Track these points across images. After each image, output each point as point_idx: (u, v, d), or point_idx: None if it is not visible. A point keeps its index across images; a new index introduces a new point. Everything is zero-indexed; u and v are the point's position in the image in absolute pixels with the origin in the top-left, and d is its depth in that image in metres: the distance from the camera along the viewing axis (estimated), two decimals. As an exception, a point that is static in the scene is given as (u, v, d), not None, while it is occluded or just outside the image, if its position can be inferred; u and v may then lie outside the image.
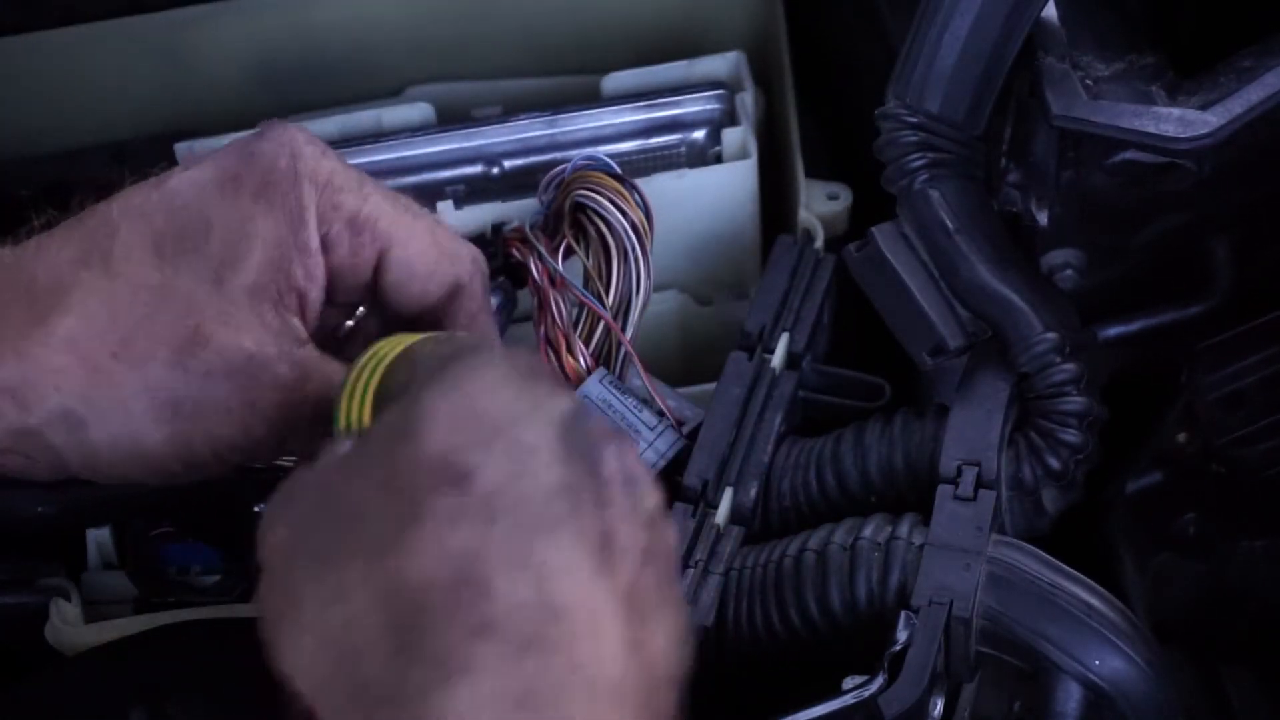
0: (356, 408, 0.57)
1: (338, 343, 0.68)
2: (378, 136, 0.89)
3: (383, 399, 0.56)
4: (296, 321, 0.61)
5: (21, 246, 0.60)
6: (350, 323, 0.68)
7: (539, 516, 0.48)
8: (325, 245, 0.62)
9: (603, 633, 0.48)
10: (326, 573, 0.49)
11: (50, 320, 0.58)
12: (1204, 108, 0.69)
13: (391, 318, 0.66)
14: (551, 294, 0.76)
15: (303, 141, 0.62)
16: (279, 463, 0.79)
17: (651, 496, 0.52)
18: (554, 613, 0.47)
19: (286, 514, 0.51)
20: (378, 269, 0.64)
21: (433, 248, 0.65)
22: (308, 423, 0.60)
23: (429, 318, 0.66)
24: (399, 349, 0.58)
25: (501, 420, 0.50)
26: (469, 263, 0.66)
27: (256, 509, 0.78)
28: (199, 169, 0.61)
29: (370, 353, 0.59)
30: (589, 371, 0.75)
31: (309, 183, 0.62)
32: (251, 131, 0.63)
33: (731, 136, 0.87)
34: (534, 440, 0.49)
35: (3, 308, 0.58)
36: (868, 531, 0.67)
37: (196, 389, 0.59)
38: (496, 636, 0.46)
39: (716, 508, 0.71)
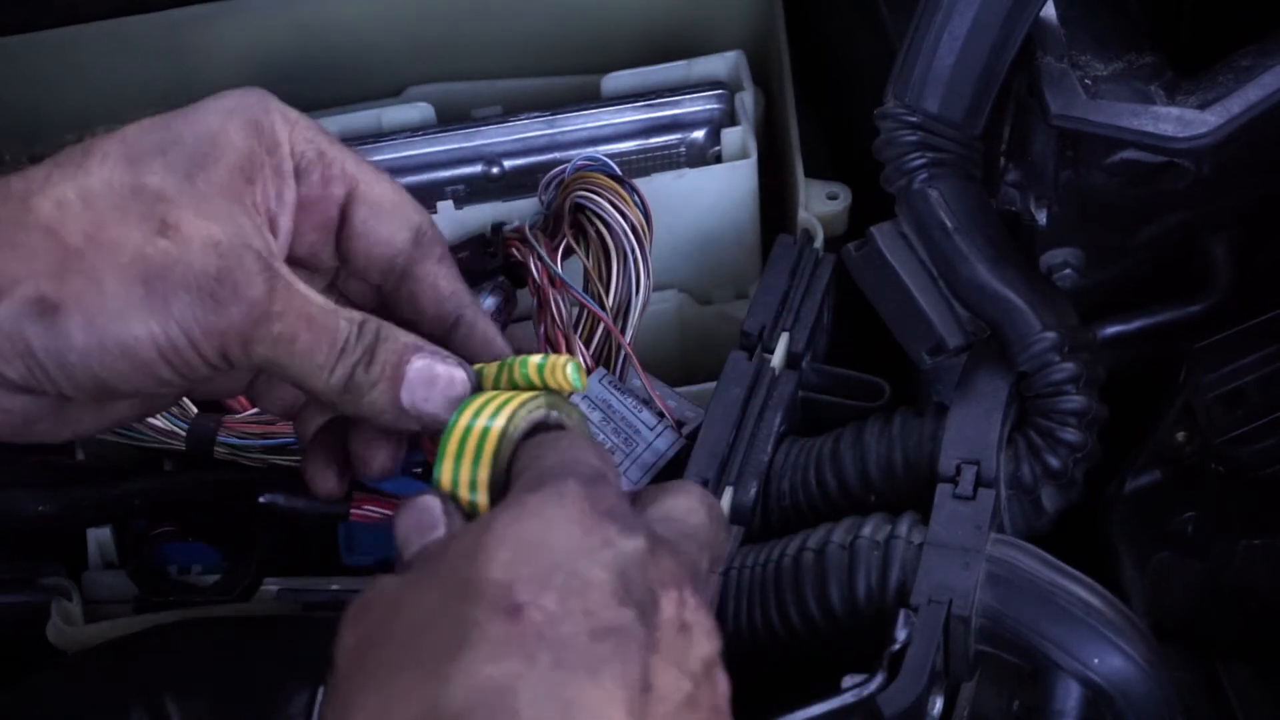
0: (466, 474, 0.58)
1: None
2: (378, 136, 0.89)
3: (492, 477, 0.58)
4: (269, 235, 0.61)
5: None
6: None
7: (581, 654, 0.49)
8: (296, 174, 0.63)
9: None
10: (378, 685, 0.49)
11: (23, 213, 0.57)
12: (1203, 107, 0.69)
13: (359, 272, 0.66)
14: (551, 294, 0.76)
15: (269, 94, 0.64)
16: (280, 462, 0.79)
17: (706, 645, 0.53)
18: None
19: (359, 620, 0.52)
20: (345, 212, 0.64)
21: (395, 191, 0.65)
22: (272, 346, 0.59)
23: (398, 268, 0.65)
24: (509, 410, 0.59)
25: (565, 556, 0.50)
26: (423, 211, 0.67)
27: (261, 499, 0.78)
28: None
29: (475, 406, 0.59)
30: (589, 372, 0.75)
31: (280, 117, 0.63)
32: None
33: (731, 136, 0.88)
34: (592, 578, 0.50)
35: None
36: (867, 530, 0.68)
37: (168, 271, 0.57)
38: None
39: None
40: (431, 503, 0.56)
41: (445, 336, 0.65)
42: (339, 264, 0.66)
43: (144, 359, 0.58)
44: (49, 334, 0.57)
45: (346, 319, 0.60)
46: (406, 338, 0.62)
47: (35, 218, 0.57)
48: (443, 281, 0.66)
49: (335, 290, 0.67)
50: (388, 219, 0.65)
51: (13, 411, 0.60)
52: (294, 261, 0.64)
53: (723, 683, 0.54)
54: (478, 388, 0.61)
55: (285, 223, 0.63)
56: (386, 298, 0.66)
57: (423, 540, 0.56)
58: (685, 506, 0.58)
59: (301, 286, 0.60)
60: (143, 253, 0.57)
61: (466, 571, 0.50)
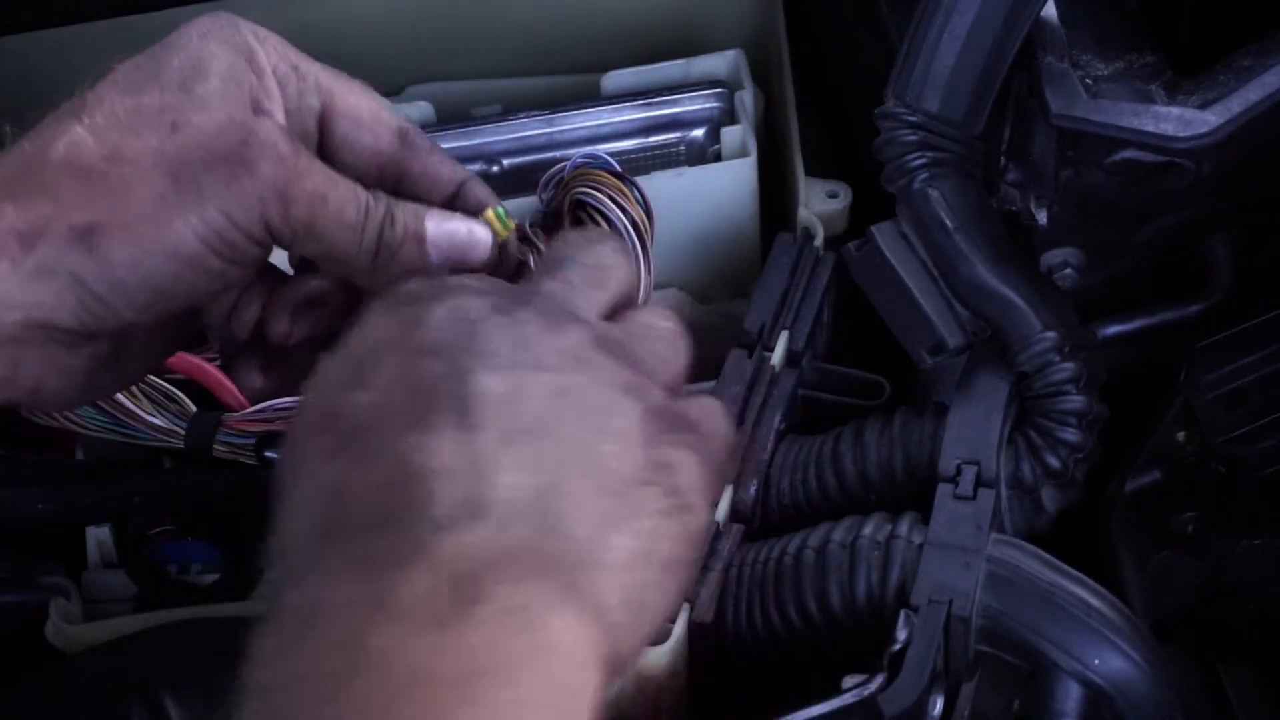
0: None
1: None
2: (377, 135, 0.89)
3: None
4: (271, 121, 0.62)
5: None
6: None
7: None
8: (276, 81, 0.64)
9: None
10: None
11: (39, 161, 0.59)
12: (1203, 107, 0.69)
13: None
14: (551, 293, 0.76)
15: (236, 16, 0.65)
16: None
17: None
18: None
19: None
20: (325, 126, 0.65)
21: (372, 99, 0.66)
22: (308, 205, 0.60)
23: (389, 174, 0.66)
24: None
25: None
26: (401, 117, 0.67)
27: (267, 454, 0.80)
28: None
29: None
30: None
31: (251, 34, 0.64)
32: None
33: (731, 135, 0.87)
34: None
35: None
36: (867, 530, 0.68)
37: (190, 159, 0.59)
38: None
39: (716, 505, 0.72)
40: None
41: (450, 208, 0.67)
42: None
43: (190, 252, 0.59)
44: (93, 259, 0.58)
45: (360, 187, 0.62)
46: (411, 205, 0.64)
47: (51, 158, 0.58)
48: (441, 168, 0.67)
49: None
50: (368, 128, 0.65)
51: (75, 370, 0.61)
52: None
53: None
54: None
55: (280, 120, 0.63)
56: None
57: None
58: (648, 316, 0.59)
59: (312, 155, 0.61)
60: (162, 152, 0.59)
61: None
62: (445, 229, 0.64)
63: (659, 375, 0.55)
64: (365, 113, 0.65)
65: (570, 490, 0.49)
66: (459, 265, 0.64)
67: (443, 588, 0.45)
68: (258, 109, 0.62)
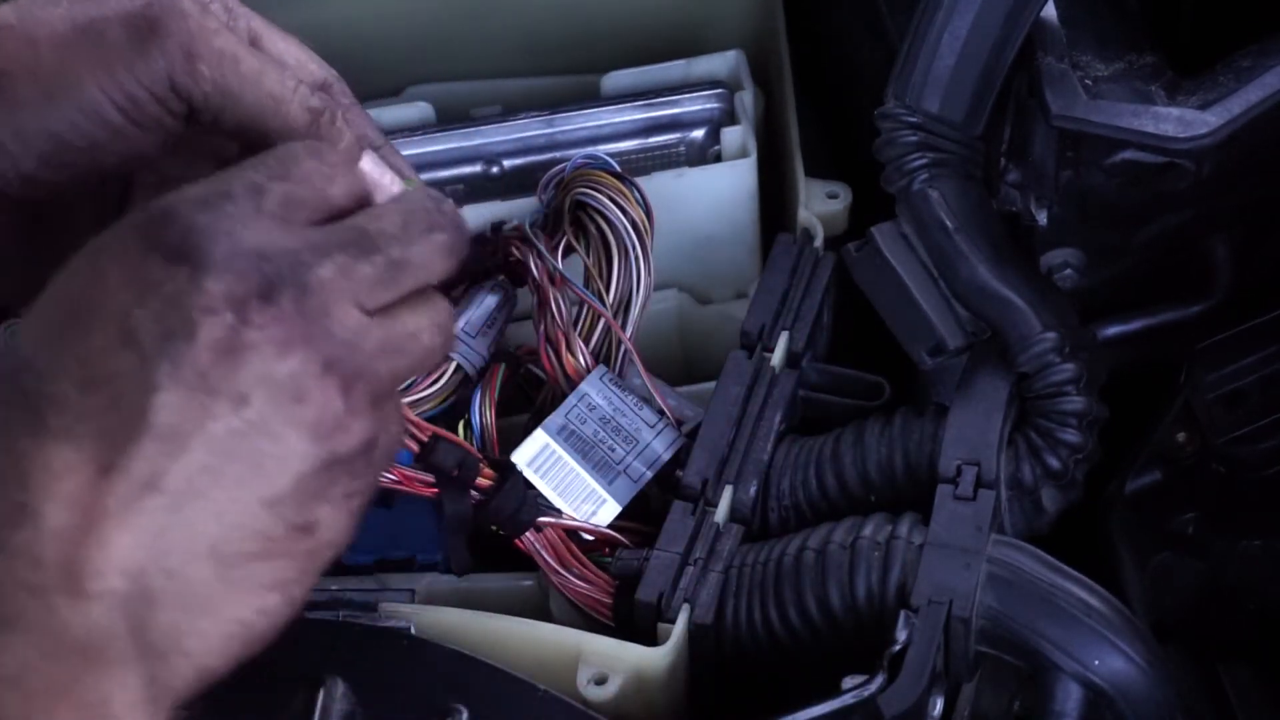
0: None
1: None
2: (377, 136, 0.89)
3: None
4: None
5: None
6: None
7: (46, 411, 0.49)
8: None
9: None
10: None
11: None
12: (1203, 107, 0.69)
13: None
14: (551, 292, 0.76)
15: None
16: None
17: (278, 361, 0.50)
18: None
19: None
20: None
21: (298, 49, 0.65)
22: (218, 63, 0.59)
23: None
24: None
25: (81, 304, 0.50)
26: (328, 67, 0.67)
27: None
28: None
29: None
30: (589, 370, 0.75)
31: None
32: None
33: (731, 135, 0.87)
34: (92, 324, 0.50)
35: None
36: (867, 530, 0.68)
37: (99, 14, 0.59)
38: None
39: (716, 506, 0.72)
40: None
41: None
42: None
43: (94, 105, 0.58)
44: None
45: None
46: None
47: None
48: (362, 126, 0.66)
49: None
50: (291, 74, 0.64)
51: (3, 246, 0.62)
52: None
53: (317, 395, 0.51)
54: None
55: None
56: None
57: None
58: (375, 214, 0.56)
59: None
60: (69, 13, 0.59)
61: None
62: (374, 173, 0.62)
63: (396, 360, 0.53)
64: (291, 61, 0.65)
65: (184, 575, 0.48)
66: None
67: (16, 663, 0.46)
68: None
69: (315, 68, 0.66)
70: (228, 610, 0.50)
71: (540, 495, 0.72)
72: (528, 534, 0.71)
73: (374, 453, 0.53)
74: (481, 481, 0.71)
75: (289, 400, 0.50)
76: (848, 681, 0.62)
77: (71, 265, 0.51)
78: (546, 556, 0.71)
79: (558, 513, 0.72)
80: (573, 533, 0.72)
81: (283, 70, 0.61)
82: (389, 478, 0.70)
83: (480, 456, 0.72)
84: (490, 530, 0.72)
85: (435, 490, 0.71)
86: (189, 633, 0.49)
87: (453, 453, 0.70)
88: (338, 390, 0.51)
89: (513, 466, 0.72)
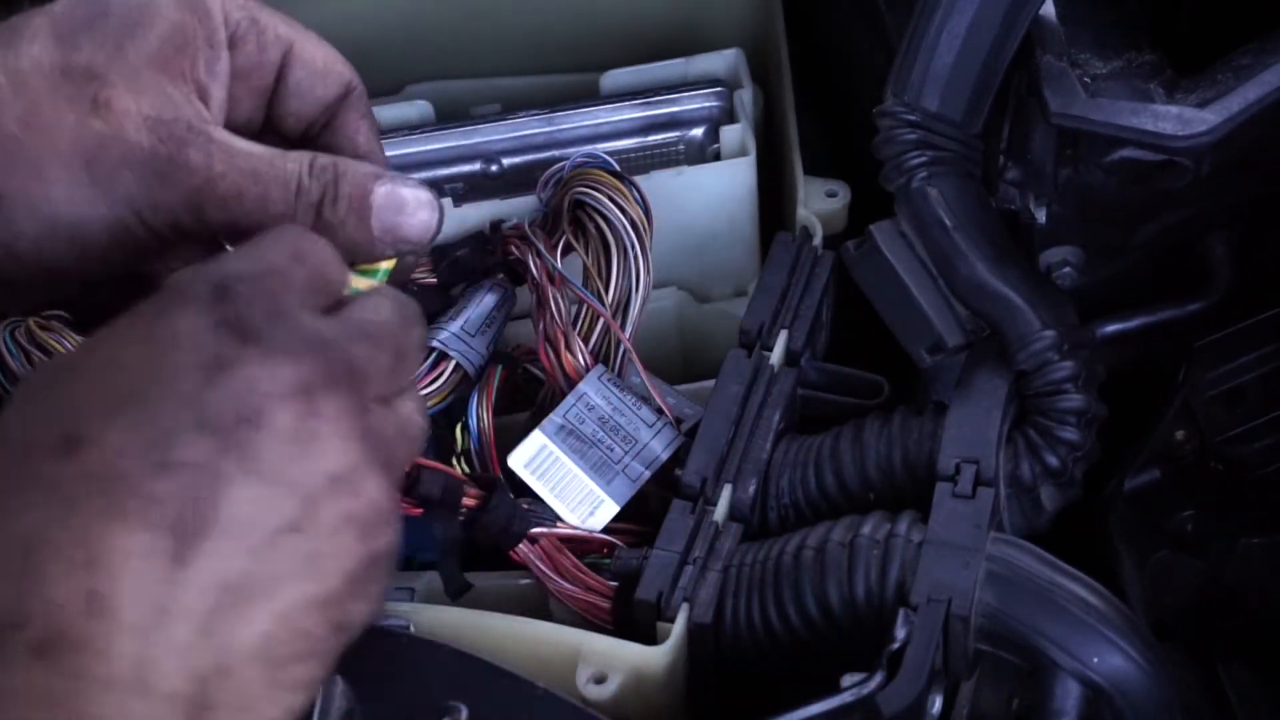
0: None
1: None
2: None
3: None
4: (200, 105, 0.61)
5: None
6: None
7: (129, 493, 0.47)
8: (231, 43, 0.63)
9: None
10: None
11: None
12: (1202, 105, 0.69)
13: (284, 128, 0.66)
14: (550, 291, 0.76)
15: None
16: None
17: (336, 457, 0.50)
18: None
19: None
20: (280, 74, 0.64)
21: (327, 50, 0.66)
22: (222, 207, 0.59)
23: (321, 121, 0.66)
24: None
25: (141, 381, 0.49)
26: (353, 69, 0.67)
27: None
28: None
29: None
30: (588, 369, 0.75)
31: None
32: None
33: (730, 134, 0.87)
34: (162, 408, 0.48)
35: None
36: (866, 529, 0.67)
37: (107, 151, 0.58)
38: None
39: (715, 505, 0.72)
40: None
41: None
42: (265, 120, 0.66)
43: (94, 241, 0.58)
44: None
45: (295, 161, 0.60)
46: (364, 167, 0.62)
47: None
48: (360, 137, 0.66)
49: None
50: (321, 78, 0.65)
51: None
52: (230, 128, 0.63)
53: (369, 490, 0.50)
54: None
55: (218, 92, 0.62)
56: (304, 148, 0.65)
57: None
58: (374, 306, 0.55)
59: (241, 143, 0.60)
60: (79, 135, 0.57)
61: (33, 406, 0.48)
62: (393, 198, 0.61)
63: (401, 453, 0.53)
64: (320, 64, 0.65)
65: (238, 676, 0.47)
66: (400, 241, 0.62)
67: None
68: (194, 80, 0.61)
69: (342, 69, 0.66)
70: (265, 712, 0.48)
71: (531, 506, 0.72)
72: (521, 545, 0.71)
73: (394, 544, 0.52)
74: (468, 502, 0.71)
75: (348, 495, 0.49)
76: (847, 680, 0.62)
77: (127, 332, 0.50)
78: (542, 566, 0.70)
79: (551, 522, 0.72)
80: (568, 539, 0.72)
81: (288, 182, 0.60)
82: None
83: (464, 478, 0.71)
84: (485, 543, 0.71)
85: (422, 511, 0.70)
86: None
87: (436, 480, 0.70)
88: (383, 484, 0.50)
89: (499, 482, 0.72)
